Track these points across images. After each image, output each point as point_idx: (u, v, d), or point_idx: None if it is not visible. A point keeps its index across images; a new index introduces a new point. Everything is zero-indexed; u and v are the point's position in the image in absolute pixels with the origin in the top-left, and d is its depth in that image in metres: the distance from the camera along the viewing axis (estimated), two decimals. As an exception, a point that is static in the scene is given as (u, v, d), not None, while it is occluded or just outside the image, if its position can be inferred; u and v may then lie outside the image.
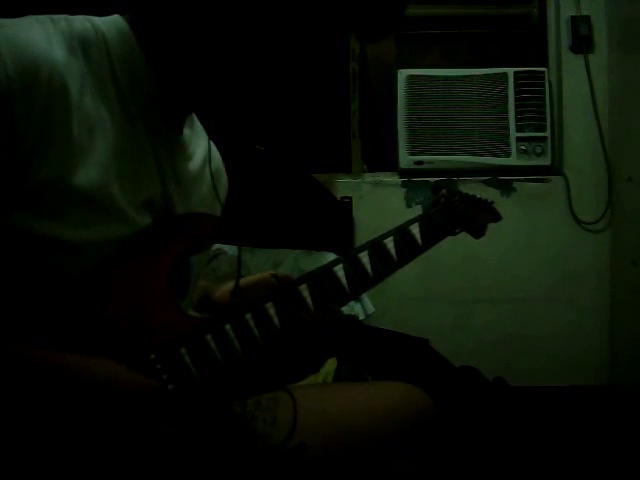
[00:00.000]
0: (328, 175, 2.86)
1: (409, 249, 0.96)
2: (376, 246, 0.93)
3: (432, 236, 0.99)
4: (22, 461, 0.66)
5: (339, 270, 0.89)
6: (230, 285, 1.02)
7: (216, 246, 2.30)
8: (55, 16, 0.75)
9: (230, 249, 2.34)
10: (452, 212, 1.06)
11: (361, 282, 0.90)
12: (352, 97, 2.97)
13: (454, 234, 1.08)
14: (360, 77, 2.97)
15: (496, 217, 1.19)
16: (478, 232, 1.14)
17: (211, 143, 0.97)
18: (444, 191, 1.08)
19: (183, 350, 0.77)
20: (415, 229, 0.97)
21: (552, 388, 2.73)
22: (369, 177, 2.93)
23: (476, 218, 1.11)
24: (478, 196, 1.16)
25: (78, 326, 0.73)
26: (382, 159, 2.99)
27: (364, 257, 0.91)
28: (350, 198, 2.74)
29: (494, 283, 2.81)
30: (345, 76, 2.96)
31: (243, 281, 1.00)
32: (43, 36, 0.71)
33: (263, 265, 2.30)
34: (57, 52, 0.71)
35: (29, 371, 0.68)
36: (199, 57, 0.77)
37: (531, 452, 2.03)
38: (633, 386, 2.58)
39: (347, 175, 2.94)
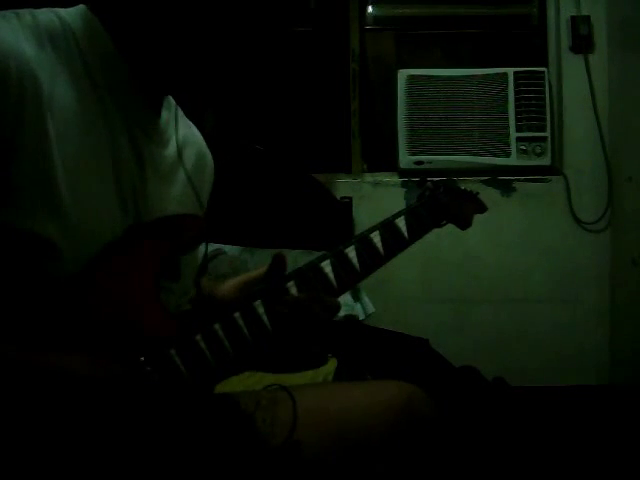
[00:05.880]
0: (328, 175, 2.86)
1: (396, 242, 0.96)
2: (362, 241, 0.93)
3: (418, 228, 1.00)
4: (12, 459, 0.66)
5: (326, 266, 0.89)
6: (232, 282, 1.02)
7: (216, 246, 2.30)
8: (20, 11, 0.76)
9: (230, 249, 2.34)
10: (437, 204, 1.07)
11: (349, 277, 0.91)
12: (352, 97, 2.97)
13: (440, 226, 1.09)
14: (360, 77, 2.97)
15: (482, 208, 1.20)
16: (464, 223, 1.15)
17: (193, 127, 0.97)
18: (429, 184, 1.09)
19: (172, 351, 0.77)
20: (401, 222, 0.98)
21: (552, 388, 2.73)
22: (369, 177, 2.93)
23: (461, 209, 1.12)
24: (463, 187, 1.16)
25: (65, 329, 0.73)
26: (382, 159, 2.99)
27: (351, 252, 0.91)
28: (350, 198, 2.73)
29: (494, 283, 2.80)
30: (345, 76, 2.97)
31: (243, 278, 1.00)
32: (10, 32, 0.71)
33: (263, 265, 2.30)
34: (25, 47, 0.71)
35: (13, 372, 0.68)
36: (158, 42, 0.78)
37: (531, 452, 2.03)
38: (633, 386, 2.58)
39: (347, 175, 2.94)
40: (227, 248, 2.32)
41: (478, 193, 1.20)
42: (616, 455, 2.06)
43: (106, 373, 0.71)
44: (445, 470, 1.02)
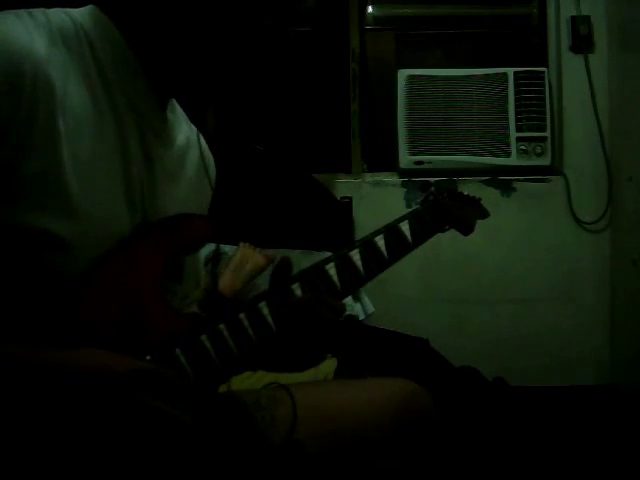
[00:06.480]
0: (328, 175, 2.86)
1: (399, 246, 0.97)
2: (367, 244, 0.94)
3: (422, 233, 1.01)
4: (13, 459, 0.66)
5: (331, 268, 0.90)
6: (225, 277, 1.03)
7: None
8: (32, 10, 0.76)
9: (230, 249, 2.34)
10: (440, 209, 1.07)
11: (353, 280, 0.91)
12: (352, 97, 2.97)
13: (443, 231, 1.09)
14: (360, 77, 2.97)
15: (484, 214, 1.20)
16: (466, 229, 1.15)
17: (195, 129, 0.98)
18: (432, 189, 1.10)
19: (178, 351, 0.77)
20: (405, 226, 0.99)
21: (552, 388, 2.73)
22: (369, 177, 2.93)
23: (464, 215, 1.13)
24: (466, 193, 1.17)
25: (71, 328, 0.73)
26: (382, 159, 2.99)
27: (355, 255, 0.92)
28: (350, 198, 2.74)
29: (494, 283, 2.81)
30: (345, 76, 2.97)
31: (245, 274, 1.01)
32: (24, 31, 0.71)
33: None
34: (39, 46, 0.71)
35: (15, 370, 0.68)
36: (170, 40, 0.79)
37: (531, 452, 2.03)
38: (633, 386, 2.58)
39: (347, 175, 2.94)
40: (227, 248, 2.32)
41: (481, 199, 1.20)
42: (616, 455, 2.06)
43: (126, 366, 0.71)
44: (445, 468, 1.02)
